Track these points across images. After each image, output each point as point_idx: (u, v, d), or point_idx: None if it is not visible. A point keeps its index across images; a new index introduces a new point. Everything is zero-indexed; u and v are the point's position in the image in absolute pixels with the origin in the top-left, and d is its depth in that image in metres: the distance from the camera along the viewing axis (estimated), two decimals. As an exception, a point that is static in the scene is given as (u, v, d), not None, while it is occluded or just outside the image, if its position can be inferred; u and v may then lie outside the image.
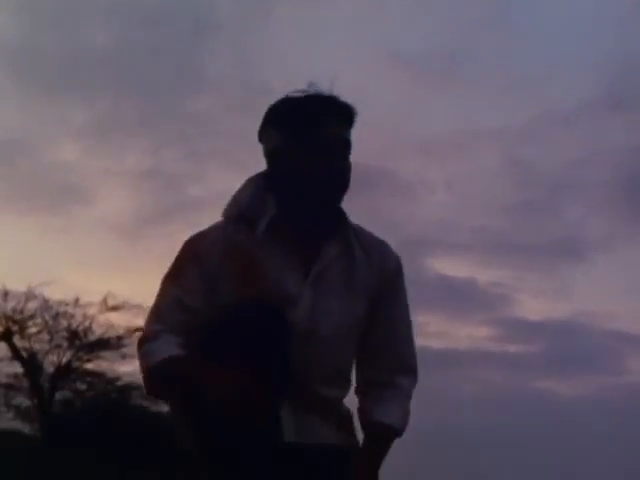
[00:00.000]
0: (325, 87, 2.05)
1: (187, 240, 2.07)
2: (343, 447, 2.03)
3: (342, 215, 2.09)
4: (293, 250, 2.02)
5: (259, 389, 1.80)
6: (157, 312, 2.02)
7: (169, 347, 1.94)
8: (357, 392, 2.14)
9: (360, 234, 2.12)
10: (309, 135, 1.99)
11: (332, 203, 2.04)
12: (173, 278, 2.04)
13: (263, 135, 2.08)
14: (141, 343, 1.99)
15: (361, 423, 2.10)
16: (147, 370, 1.97)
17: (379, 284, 2.10)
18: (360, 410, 2.11)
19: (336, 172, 2.01)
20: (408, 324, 2.17)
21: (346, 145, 2.04)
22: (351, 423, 2.10)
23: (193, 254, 2.03)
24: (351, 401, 2.13)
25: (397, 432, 2.08)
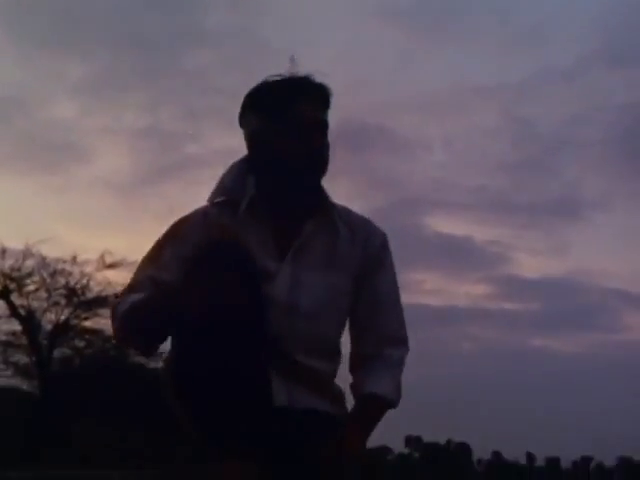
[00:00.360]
0: (302, 69, 2.04)
1: (171, 224, 2.10)
2: (335, 415, 2.06)
3: (323, 194, 2.10)
4: (274, 228, 2.05)
5: (243, 292, 1.84)
6: (130, 286, 2.05)
7: (134, 297, 1.97)
8: (350, 369, 2.15)
9: (344, 213, 2.14)
10: (285, 118, 2.02)
11: (310, 183, 2.06)
12: (150, 258, 2.07)
13: (242, 120, 2.10)
14: (112, 311, 2.01)
15: (354, 397, 2.11)
16: (116, 322, 1.99)
17: (364, 261, 2.12)
18: (352, 385, 2.12)
19: (313, 153, 2.03)
20: (395, 296, 2.17)
21: (323, 126, 2.06)
22: (343, 399, 2.12)
23: (172, 236, 2.06)
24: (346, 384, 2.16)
25: (390, 403, 2.09)
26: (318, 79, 2.05)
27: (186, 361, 1.91)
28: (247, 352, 1.89)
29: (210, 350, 1.87)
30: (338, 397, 2.12)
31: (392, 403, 2.09)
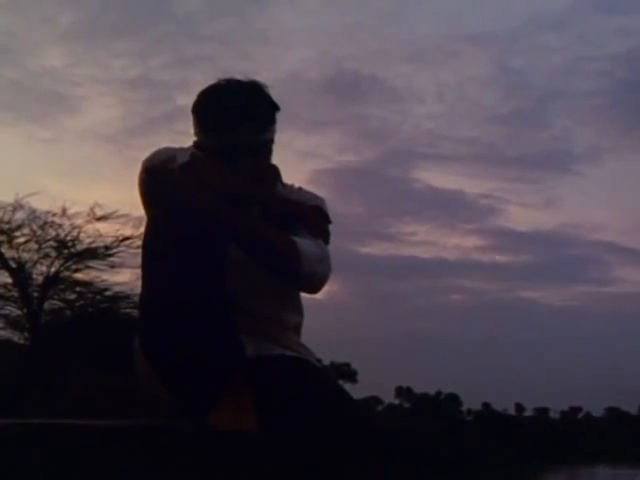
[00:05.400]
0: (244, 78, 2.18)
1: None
2: (307, 359, 2.11)
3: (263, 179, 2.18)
4: None
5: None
6: None
7: None
8: None
9: (288, 191, 2.23)
10: (211, 138, 2.12)
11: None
12: None
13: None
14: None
15: None
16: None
17: None
18: None
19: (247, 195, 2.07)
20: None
21: (258, 149, 2.14)
22: (310, 350, 2.18)
23: None
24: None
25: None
26: (250, 103, 2.14)
27: (153, 327, 1.94)
28: (214, 309, 1.92)
29: (176, 309, 1.90)
30: (304, 346, 2.16)
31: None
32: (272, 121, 2.19)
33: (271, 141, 2.21)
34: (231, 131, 2.11)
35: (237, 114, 2.12)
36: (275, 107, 2.20)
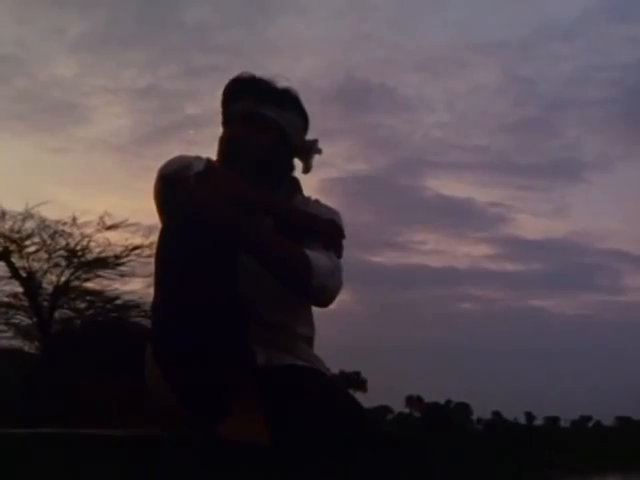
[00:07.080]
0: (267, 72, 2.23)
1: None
2: (318, 369, 2.11)
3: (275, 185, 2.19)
4: None
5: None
6: None
7: None
8: None
9: (304, 203, 2.23)
10: (224, 112, 2.23)
11: (248, 174, 2.10)
12: None
13: None
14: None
15: None
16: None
17: None
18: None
19: (235, 145, 2.15)
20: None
21: (254, 118, 2.17)
22: (322, 361, 2.18)
23: None
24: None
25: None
26: (264, 78, 2.20)
27: (165, 335, 1.95)
28: (226, 318, 1.92)
29: (191, 317, 1.92)
30: (316, 356, 2.16)
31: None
32: (272, 102, 2.20)
33: (274, 121, 2.20)
34: (235, 102, 2.20)
35: (243, 88, 2.21)
36: (289, 95, 2.24)
